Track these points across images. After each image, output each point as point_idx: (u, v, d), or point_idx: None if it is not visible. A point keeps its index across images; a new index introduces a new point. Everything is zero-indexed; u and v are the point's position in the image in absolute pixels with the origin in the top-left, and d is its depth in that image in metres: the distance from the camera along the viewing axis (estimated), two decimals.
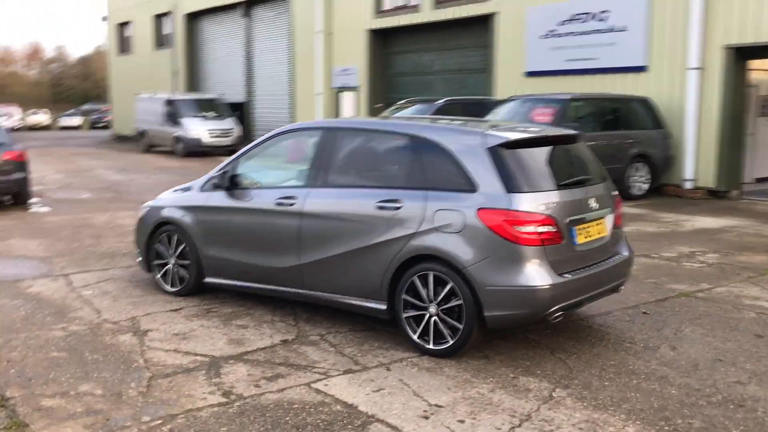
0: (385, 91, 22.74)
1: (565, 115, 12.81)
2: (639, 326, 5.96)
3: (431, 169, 5.33)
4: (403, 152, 5.55)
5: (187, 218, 6.71)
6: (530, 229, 4.89)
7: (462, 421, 4.18)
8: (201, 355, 5.27)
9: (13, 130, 55.77)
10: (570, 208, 5.16)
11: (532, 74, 17.50)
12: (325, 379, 4.80)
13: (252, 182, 6.41)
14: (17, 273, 7.80)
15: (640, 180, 13.92)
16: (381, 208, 5.42)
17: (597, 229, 5.44)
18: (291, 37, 25.79)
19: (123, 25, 38.98)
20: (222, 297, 6.74)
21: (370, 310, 5.56)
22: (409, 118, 6.65)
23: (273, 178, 6.43)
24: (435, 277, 5.15)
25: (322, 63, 24.13)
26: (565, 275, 5.06)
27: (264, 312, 6.30)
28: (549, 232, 4.97)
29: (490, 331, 5.26)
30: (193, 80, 33.33)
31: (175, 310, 6.41)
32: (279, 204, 5.99)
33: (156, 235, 7.00)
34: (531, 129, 5.98)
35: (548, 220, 4.96)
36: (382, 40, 22.54)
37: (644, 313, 6.35)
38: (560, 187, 5.20)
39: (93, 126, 57.90)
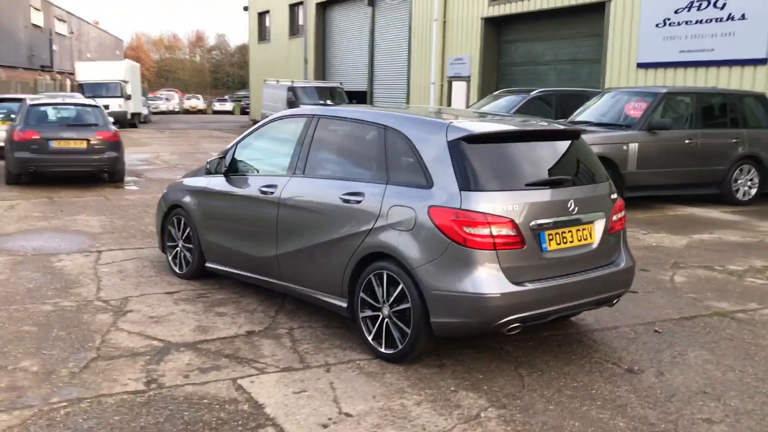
0: (495, 81, 22.13)
1: (659, 110, 11.87)
2: (638, 346, 5.35)
3: (394, 162, 5.02)
4: (371, 143, 5.26)
5: (191, 202, 6.75)
6: (481, 231, 4.47)
7: None
8: (159, 340, 5.26)
9: (171, 112, 59.91)
10: (538, 210, 4.68)
11: (643, 66, 16.40)
12: (257, 375, 4.64)
13: (248, 168, 6.33)
14: (57, 247, 8.18)
15: (746, 184, 12.66)
16: (345, 201, 5.18)
17: (578, 235, 4.91)
18: (410, 25, 25.65)
19: (263, 14, 40.39)
20: (223, 283, 6.73)
21: (334, 307, 5.34)
22: (397, 106, 6.28)
23: (267, 165, 6.31)
24: (388, 276, 4.85)
25: (437, 52, 23.84)
26: (525, 284, 4.60)
27: (252, 301, 6.22)
28: (505, 236, 4.53)
29: (466, 339, 4.87)
30: (322, 68, 33.97)
31: (171, 293, 6.46)
32: (262, 192, 5.88)
33: (169, 217, 7.10)
34: (512, 122, 5.43)
35: (505, 222, 4.52)
36: (495, 28, 21.94)
37: (656, 331, 5.70)
38: (528, 186, 4.73)
39: (243, 111, 60.54)
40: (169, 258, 7.12)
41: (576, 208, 4.85)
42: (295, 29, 36.35)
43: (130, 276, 6.99)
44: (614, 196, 5.25)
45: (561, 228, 4.80)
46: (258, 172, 6.21)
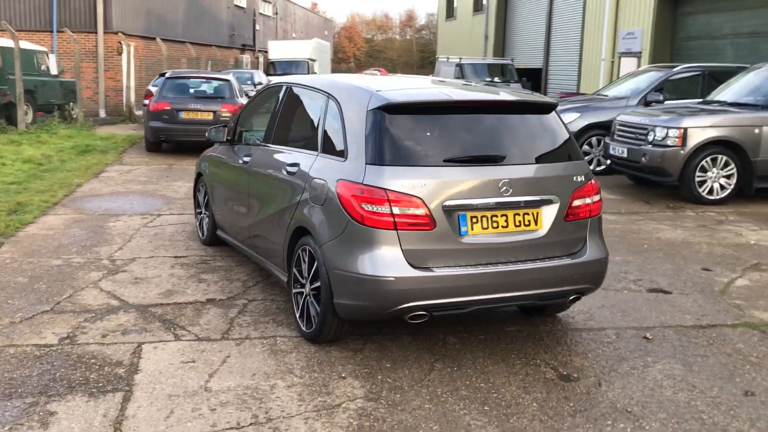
0: (669, 57, 20.30)
1: None
2: (604, 351, 4.68)
3: (327, 132, 4.77)
4: (317, 111, 5.03)
5: (206, 169, 6.90)
6: (380, 209, 4.11)
7: (198, 409, 3.75)
8: (120, 300, 5.43)
9: None
10: (457, 190, 4.21)
11: None
12: (167, 342, 4.64)
13: (244, 138, 6.31)
14: (127, 209, 8.75)
15: None
16: (288, 172, 5.01)
17: (515, 220, 4.37)
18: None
19: None
20: (232, 252, 6.80)
21: (281, 281, 5.21)
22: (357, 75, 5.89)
23: (255, 135, 6.24)
24: (309, 252, 4.63)
25: (608, 27, 22.35)
26: (433, 269, 4.18)
27: (243, 271, 6.25)
28: (410, 215, 4.12)
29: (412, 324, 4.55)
30: (501, 45, 33.21)
31: (179, 257, 6.66)
32: (243, 162, 5.86)
33: (197, 184, 7.31)
34: (455, 92, 4.80)
35: (409, 200, 4.11)
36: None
37: (645, 338, 4.95)
38: (447, 163, 4.26)
39: None
40: (197, 224, 7.34)
41: (511, 190, 4.29)
42: (478, 5, 35.78)
43: (159, 239, 7.28)
44: (580, 178, 4.59)
45: (488, 211, 4.29)
46: (250, 141, 6.19)
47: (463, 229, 4.24)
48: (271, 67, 35.34)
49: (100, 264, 6.33)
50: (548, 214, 4.45)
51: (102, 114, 22.32)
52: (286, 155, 5.15)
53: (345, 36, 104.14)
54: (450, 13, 40.38)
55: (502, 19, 33.07)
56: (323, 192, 4.44)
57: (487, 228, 4.30)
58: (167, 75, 14.74)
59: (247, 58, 40.94)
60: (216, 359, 4.38)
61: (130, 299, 5.44)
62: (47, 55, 19.42)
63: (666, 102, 12.57)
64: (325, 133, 4.76)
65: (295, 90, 5.49)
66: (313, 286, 4.58)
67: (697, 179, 9.87)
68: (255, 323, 4.99)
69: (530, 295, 4.45)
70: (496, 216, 4.32)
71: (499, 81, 26.08)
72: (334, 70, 70.91)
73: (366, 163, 4.22)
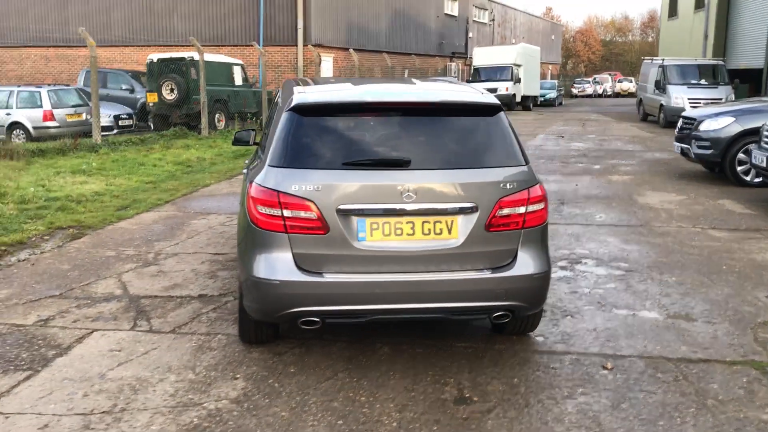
0: None
1: None
2: (539, 377, 4.24)
3: (267, 133, 4.82)
4: (275, 114, 5.07)
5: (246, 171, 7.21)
6: (272, 211, 4.08)
7: (74, 393, 4.00)
8: (124, 291, 5.87)
9: (596, 95, 59.52)
10: (353, 194, 4.05)
11: None
12: (116, 331, 4.93)
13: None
14: (223, 208, 9.35)
15: None
16: (244, 174, 5.13)
17: (423, 228, 4.11)
18: None
19: None
20: None
21: None
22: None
23: None
24: None
25: None
26: (325, 275, 4.07)
27: None
28: (302, 219, 4.05)
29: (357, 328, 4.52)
30: (722, 45, 30.39)
31: (218, 254, 7.03)
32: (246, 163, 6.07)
33: None
34: (378, 93, 4.60)
35: (300, 203, 4.04)
36: None
37: (603, 367, 4.41)
38: (346, 166, 4.12)
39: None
40: None
41: (414, 196, 4.05)
42: (700, 1, 33.05)
43: (219, 237, 7.72)
44: (510, 185, 4.18)
45: (391, 217, 4.08)
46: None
47: (361, 235, 4.06)
48: (475, 74, 35.50)
49: (142, 257, 6.86)
50: (465, 223, 4.12)
51: None
52: (253, 158, 5.26)
53: (580, 39, 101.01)
54: (673, 11, 37.76)
55: (724, 17, 30.25)
56: (243, 195, 4.50)
57: (389, 235, 4.08)
58: None
59: (456, 65, 41.40)
60: (141, 350, 4.60)
61: (133, 290, 5.85)
62: (242, 68, 21.18)
63: None
64: (265, 135, 4.81)
65: (277, 96, 5.57)
66: None
67: None
68: (215, 321, 5.15)
69: (439, 309, 4.15)
70: (401, 223, 4.08)
71: (706, 83, 24.02)
72: (563, 76, 69.29)
73: (267, 165, 4.21)
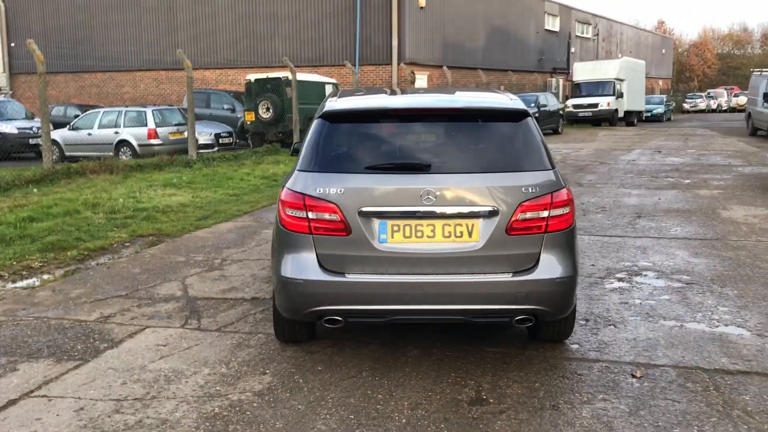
0: None
1: None
2: (560, 383, 4.22)
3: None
4: None
5: None
6: (298, 213, 4.27)
7: (114, 381, 4.29)
8: (185, 292, 6.19)
9: (710, 110, 57.10)
10: (375, 197, 4.18)
11: None
12: (167, 329, 5.22)
13: None
14: None
15: None
16: None
17: (444, 231, 4.19)
18: None
19: None
20: None
21: None
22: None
23: None
24: None
25: None
26: (347, 275, 4.22)
27: None
28: (326, 221, 4.22)
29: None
30: None
31: None
32: None
33: None
34: (404, 100, 4.69)
35: (325, 206, 4.22)
36: None
37: (632, 375, 4.34)
38: (369, 170, 4.26)
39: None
40: None
41: (434, 199, 4.14)
42: None
43: None
44: (532, 190, 4.20)
45: (412, 220, 4.18)
46: None
47: (382, 236, 4.18)
48: (575, 89, 34.93)
49: (208, 262, 7.21)
50: (485, 226, 4.17)
51: None
52: None
53: (694, 53, 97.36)
54: None
55: None
56: (277, 199, 4.71)
57: (410, 237, 4.18)
58: None
59: (556, 81, 40.83)
60: (184, 345, 4.88)
61: (192, 292, 6.18)
62: (335, 86, 21.73)
63: None
64: (302, 143, 5.01)
65: None
66: None
67: None
68: (260, 321, 5.37)
69: (459, 311, 4.20)
70: (422, 225, 4.18)
71: None
72: (674, 91, 66.87)
73: (297, 170, 4.40)
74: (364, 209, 4.15)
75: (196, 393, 4.10)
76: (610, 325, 5.20)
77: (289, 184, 4.37)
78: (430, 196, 4.12)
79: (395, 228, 4.17)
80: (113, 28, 30.06)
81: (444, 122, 4.43)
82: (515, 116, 4.43)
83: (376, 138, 4.41)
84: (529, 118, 4.45)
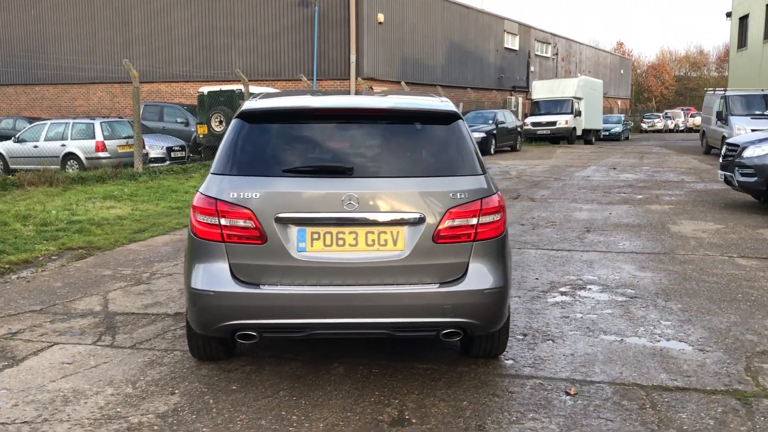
0: None
1: None
2: (488, 401, 3.95)
3: None
4: None
5: None
6: (210, 220, 3.95)
7: (5, 404, 3.92)
8: (104, 307, 5.83)
9: (667, 130, 58.02)
10: (292, 202, 3.88)
11: None
12: (77, 345, 4.88)
13: None
14: None
15: None
16: None
17: (367, 239, 3.91)
18: None
19: (743, 18, 36.55)
20: None
21: None
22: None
23: None
24: None
25: None
26: (262, 287, 3.90)
27: None
28: (239, 228, 3.91)
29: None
30: None
31: None
32: None
33: None
34: (325, 100, 4.48)
35: (238, 212, 3.91)
36: None
37: (566, 392, 4.09)
38: (286, 173, 3.97)
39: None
40: None
41: (356, 205, 3.86)
42: None
43: None
44: (461, 195, 3.95)
45: (332, 227, 3.89)
46: None
47: (301, 245, 3.89)
48: (534, 107, 35.12)
49: (136, 276, 6.84)
50: (411, 234, 3.90)
51: None
52: None
53: (652, 74, 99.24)
54: (742, 42, 36.62)
55: None
56: None
57: (330, 245, 3.89)
58: None
59: (516, 99, 41.07)
60: (92, 363, 4.52)
61: (113, 307, 5.81)
62: None
63: None
64: None
65: None
66: None
67: None
68: (179, 338, 5.03)
69: (383, 324, 3.91)
70: (343, 233, 3.89)
71: (759, 114, 23.06)
72: (633, 111, 67.80)
73: (210, 173, 4.10)
74: (281, 215, 3.86)
75: (93, 415, 3.75)
76: (548, 339, 4.96)
77: (202, 189, 4.06)
78: (352, 202, 3.84)
79: (315, 236, 3.89)
80: (66, 41, 29.45)
81: (370, 123, 4.16)
82: (445, 119, 4.19)
83: (296, 139, 4.12)
84: (459, 121, 4.21)
